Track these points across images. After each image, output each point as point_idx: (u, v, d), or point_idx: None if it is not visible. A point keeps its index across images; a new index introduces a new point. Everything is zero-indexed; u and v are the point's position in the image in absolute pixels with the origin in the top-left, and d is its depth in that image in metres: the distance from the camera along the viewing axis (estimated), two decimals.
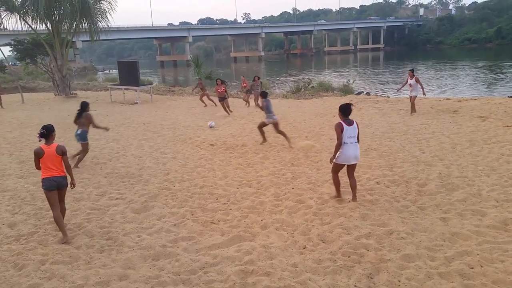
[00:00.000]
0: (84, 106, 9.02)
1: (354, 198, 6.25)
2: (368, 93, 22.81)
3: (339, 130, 5.91)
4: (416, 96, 13.69)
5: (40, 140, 5.53)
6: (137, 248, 5.10)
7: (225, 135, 11.90)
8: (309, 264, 4.50)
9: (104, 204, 6.74)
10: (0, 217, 6.31)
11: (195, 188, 7.33)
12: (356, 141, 6.04)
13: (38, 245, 5.28)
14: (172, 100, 20.43)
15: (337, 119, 6.17)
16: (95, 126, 9.16)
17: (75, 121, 9.05)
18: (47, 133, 5.44)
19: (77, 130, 8.98)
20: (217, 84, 16.50)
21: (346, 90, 22.42)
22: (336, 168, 6.23)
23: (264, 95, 10.53)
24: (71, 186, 5.67)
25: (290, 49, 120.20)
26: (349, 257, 4.62)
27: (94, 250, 5.09)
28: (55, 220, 5.42)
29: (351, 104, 6.14)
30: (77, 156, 9.13)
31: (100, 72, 67.75)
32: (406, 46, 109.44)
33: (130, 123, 14.46)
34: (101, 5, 24.81)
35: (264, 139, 10.55)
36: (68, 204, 6.65)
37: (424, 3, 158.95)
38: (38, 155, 5.38)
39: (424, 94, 13.85)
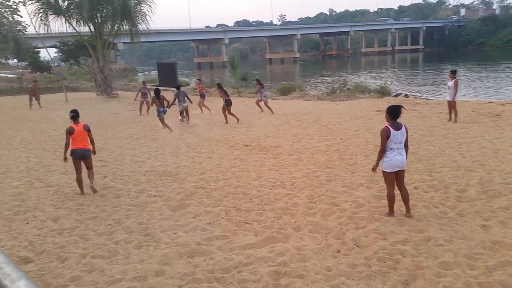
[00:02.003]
0: (159, 92, 13.46)
1: (407, 212, 5.70)
2: (406, 95, 22.19)
3: (385, 135, 5.47)
4: (455, 101, 12.44)
5: (72, 122, 7.31)
6: (173, 245, 5.22)
7: (259, 136, 11.96)
8: (343, 268, 4.45)
9: (143, 201, 6.96)
10: (45, 211, 6.65)
11: (229, 188, 7.42)
12: (403, 147, 5.59)
13: (79, 239, 5.52)
14: (208, 101, 20.68)
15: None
16: (168, 102, 13.88)
17: (154, 100, 13.49)
18: (76, 115, 7.38)
19: (161, 108, 13.38)
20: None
21: (383, 92, 21.90)
22: (390, 179, 5.65)
23: (177, 87, 14.65)
24: (93, 154, 7.56)
25: (326, 50, 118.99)
26: (384, 262, 4.54)
27: (132, 246, 5.26)
28: (77, 180, 7.33)
29: (401, 106, 5.58)
30: (166, 125, 13.43)
31: (140, 73, 69.53)
32: (446, 48, 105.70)
33: (167, 123, 14.76)
34: (141, 8, 25.59)
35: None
36: (109, 200, 6.98)
37: (465, 3, 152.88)
38: (70, 132, 7.14)
39: (453, 99, 12.43)
